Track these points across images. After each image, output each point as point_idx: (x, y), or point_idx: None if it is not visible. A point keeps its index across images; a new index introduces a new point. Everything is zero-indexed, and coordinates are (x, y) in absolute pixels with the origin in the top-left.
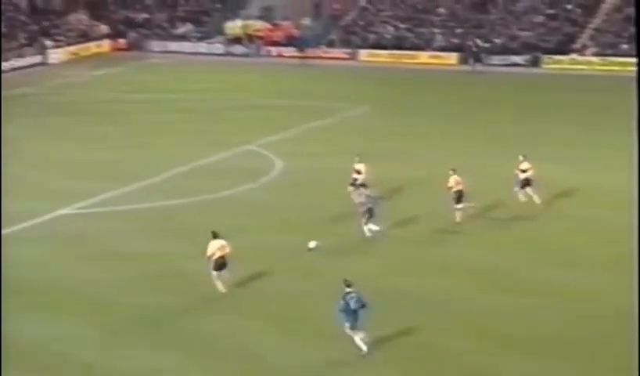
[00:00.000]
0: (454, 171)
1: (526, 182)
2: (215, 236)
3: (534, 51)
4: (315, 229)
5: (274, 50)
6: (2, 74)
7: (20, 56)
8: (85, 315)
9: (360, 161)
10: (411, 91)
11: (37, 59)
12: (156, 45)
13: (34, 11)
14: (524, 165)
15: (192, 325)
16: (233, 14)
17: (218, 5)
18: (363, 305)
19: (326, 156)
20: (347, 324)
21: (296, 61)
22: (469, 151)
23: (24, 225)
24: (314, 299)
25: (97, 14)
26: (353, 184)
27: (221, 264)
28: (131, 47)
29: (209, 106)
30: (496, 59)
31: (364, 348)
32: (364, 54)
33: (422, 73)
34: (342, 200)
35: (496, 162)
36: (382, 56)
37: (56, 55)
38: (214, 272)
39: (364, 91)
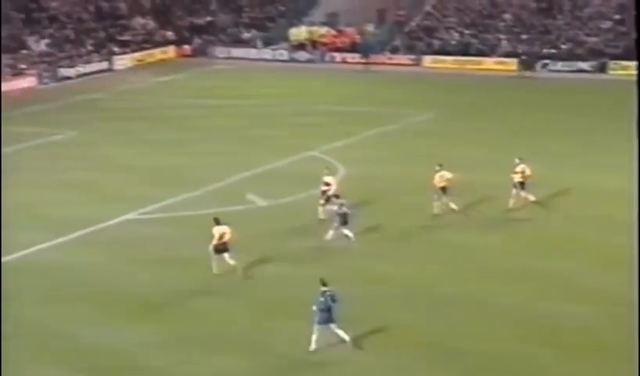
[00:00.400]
0: (441, 166)
1: (521, 185)
2: (217, 222)
3: (601, 57)
4: (377, 236)
5: (338, 56)
6: (71, 80)
7: (87, 62)
8: (147, 319)
9: (329, 174)
10: (476, 97)
11: (104, 65)
12: (220, 51)
13: (100, 16)
14: (519, 168)
15: (254, 331)
16: (297, 20)
17: (283, 12)
18: (335, 301)
19: (389, 162)
20: (318, 320)
21: (359, 67)
22: (535, 159)
23: (89, 229)
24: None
25: (162, 20)
26: (324, 198)
27: (221, 248)
28: (195, 53)
29: (272, 112)
30: (562, 66)
31: (347, 337)
32: (428, 60)
33: (486, 79)
34: (403, 206)
35: (565, 172)
36: (447, 62)
37: (122, 61)
38: (215, 255)
39: (428, 97)
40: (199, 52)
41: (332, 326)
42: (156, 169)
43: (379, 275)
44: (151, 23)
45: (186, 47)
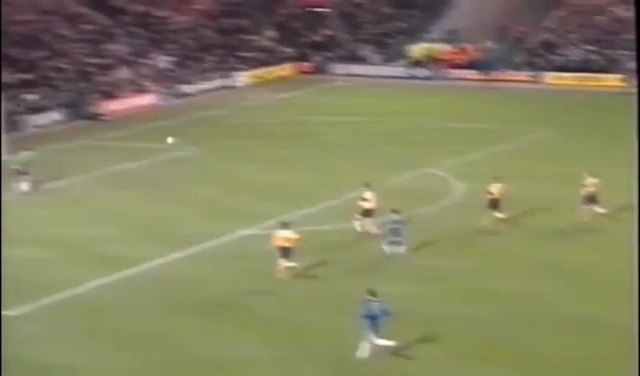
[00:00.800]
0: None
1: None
2: (284, 226)
3: None
4: (488, 253)
5: (457, 73)
6: (192, 97)
7: (208, 79)
8: (264, 333)
9: (368, 189)
10: (598, 115)
11: (224, 82)
12: (339, 67)
13: (222, 33)
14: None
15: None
16: (416, 37)
17: (402, 28)
18: (386, 313)
19: (507, 180)
20: (368, 330)
21: (478, 84)
22: None
23: (210, 244)
24: (505, 325)
25: (283, 37)
26: (362, 212)
27: (285, 252)
28: (314, 70)
29: (391, 128)
30: None
31: (365, 354)
32: (549, 76)
33: (609, 96)
34: (520, 224)
35: None
36: (568, 78)
37: (242, 78)
38: (280, 260)
39: (546, 114)
40: (318, 69)
41: (375, 337)
42: (275, 185)
43: (499, 291)
44: (272, 40)
45: (305, 64)
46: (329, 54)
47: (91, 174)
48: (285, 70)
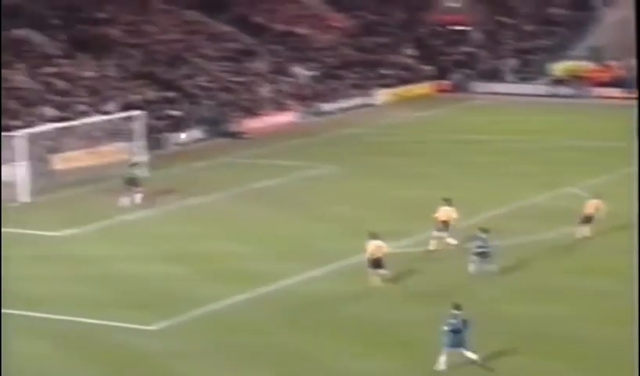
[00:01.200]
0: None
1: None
2: (374, 237)
3: None
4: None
5: (600, 91)
6: (331, 116)
7: (348, 96)
8: (396, 353)
9: (446, 205)
10: None
11: (363, 100)
12: (479, 86)
13: (361, 50)
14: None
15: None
16: (559, 55)
17: (544, 46)
18: (468, 325)
19: None
20: (448, 344)
21: (623, 102)
22: None
23: (347, 261)
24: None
25: (422, 54)
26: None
27: (376, 262)
28: (454, 88)
29: (530, 147)
30: None
31: (443, 367)
32: None
33: None
34: None
35: None
36: None
37: (381, 96)
38: (370, 269)
39: None
40: (457, 87)
41: (461, 349)
42: (413, 203)
43: None
44: (411, 58)
45: (445, 82)
46: (469, 72)
47: (230, 191)
48: (424, 88)
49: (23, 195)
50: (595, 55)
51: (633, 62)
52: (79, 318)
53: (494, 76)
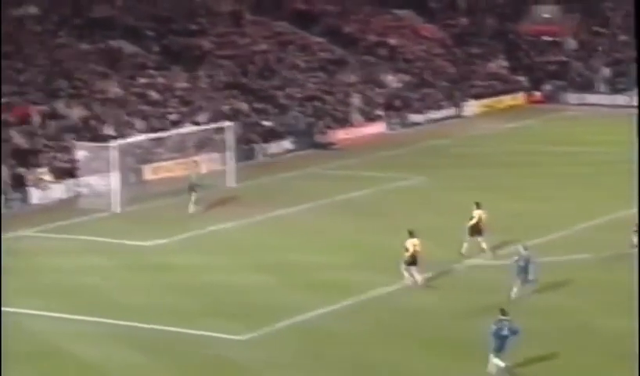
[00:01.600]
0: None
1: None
2: (411, 234)
3: None
4: None
5: None
6: (420, 127)
7: (437, 107)
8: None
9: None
10: None
11: (452, 111)
12: (572, 97)
13: (452, 61)
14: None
15: None
16: None
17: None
18: (514, 332)
19: None
20: (494, 349)
21: None
22: None
23: (434, 274)
24: None
25: (514, 65)
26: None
27: (412, 260)
28: (546, 99)
29: (621, 159)
30: None
31: (494, 370)
32: None
33: None
34: None
35: None
36: None
37: (470, 107)
38: (404, 266)
39: None
40: (550, 98)
41: (495, 354)
42: (502, 215)
43: None
44: (503, 69)
45: (537, 93)
46: (562, 83)
47: (318, 202)
48: (515, 99)
49: (115, 205)
50: None
51: None
52: (169, 327)
53: (587, 87)
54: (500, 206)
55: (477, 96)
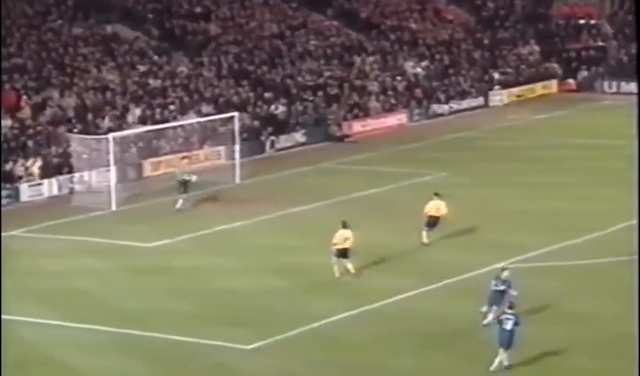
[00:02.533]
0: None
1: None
2: (344, 226)
3: None
4: None
5: None
6: (443, 118)
7: (462, 97)
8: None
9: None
10: None
11: (479, 101)
12: (608, 85)
13: (479, 46)
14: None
15: None
16: None
17: None
18: (517, 324)
19: None
20: (501, 344)
21: None
22: None
23: (460, 277)
24: None
25: (545, 51)
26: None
27: (342, 253)
28: (581, 88)
29: None
30: None
31: (494, 365)
32: None
33: None
34: None
35: None
36: None
37: (499, 96)
38: (334, 258)
39: None
40: (584, 87)
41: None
42: (531, 214)
43: None
44: (533, 55)
45: (570, 81)
46: (597, 70)
47: (332, 199)
48: (547, 88)
49: (112, 203)
50: None
51: None
52: (173, 336)
53: (624, 75)
54: (528, 205)
55: (506, 85)
